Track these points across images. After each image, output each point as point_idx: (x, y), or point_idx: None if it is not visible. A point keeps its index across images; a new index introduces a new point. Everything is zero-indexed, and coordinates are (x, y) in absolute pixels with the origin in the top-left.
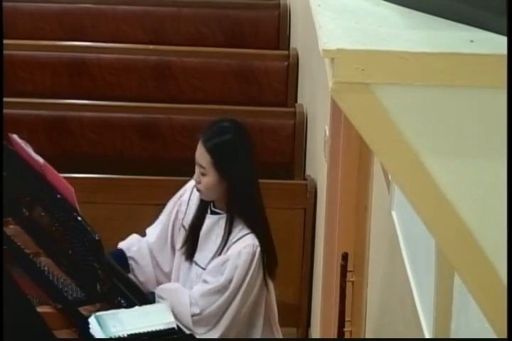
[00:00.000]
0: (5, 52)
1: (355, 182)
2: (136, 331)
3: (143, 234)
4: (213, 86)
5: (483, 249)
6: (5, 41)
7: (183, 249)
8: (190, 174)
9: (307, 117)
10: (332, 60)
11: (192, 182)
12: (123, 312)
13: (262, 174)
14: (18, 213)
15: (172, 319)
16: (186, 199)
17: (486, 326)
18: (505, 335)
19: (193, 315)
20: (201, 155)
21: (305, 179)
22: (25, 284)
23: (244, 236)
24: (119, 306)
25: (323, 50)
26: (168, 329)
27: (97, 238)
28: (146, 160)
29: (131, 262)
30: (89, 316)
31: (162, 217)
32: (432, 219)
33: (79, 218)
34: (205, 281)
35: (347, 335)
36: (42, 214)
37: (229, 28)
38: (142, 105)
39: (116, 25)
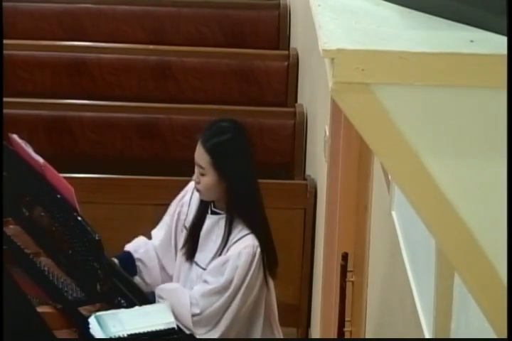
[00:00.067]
0: (5, 52)
1: (355, 182)
2: (136, 331)
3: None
4: (213, 86)
5: (483, 249)
6: (5, 41)
7: (184, 250)
8: (190, 174)
9: (307, 117)
10: (332, 60)
11: (193, 183)
12: (123, 312)
13: (262, 174)
14: (18, 213)
15: (172, 319)
16: (188, 200)
17: (486, 326)
18: (505, 335)
19: (193, 315)
20: (200, 155)
21: (305, 179)
22: (25, 284)
23: (244, 236)
24: (119, 306)
25: (323, 50)
26: (168, 329)
27: (97, 238)
28: (146, 160)
29: (138, 264)
30: (89, 316)
31: (166, 218)
32: (432, 219)
33: (79, 218)
34: (205, 281)
35: (347, 335)
36: (42, 214)
37: (229, 28)
38: (142, 105)
39: (116, 25)
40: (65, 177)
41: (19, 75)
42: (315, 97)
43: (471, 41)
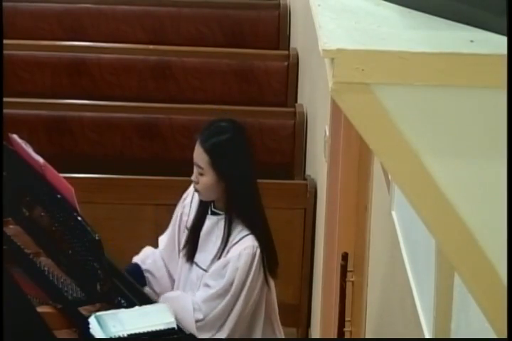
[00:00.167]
0: (5, 52)
1: (355, 182)
2: (136, 331)
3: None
4: (213, 86)
5: (483, 249)
6: (5, 41)
7: (185, 250)
8: (190, 174)
9: (307, 117)
10: (332, 60)
11: None
12: (123, 312)
13: (262, 174)
14: (18, 213)
15: (172, 319)
16: (189, 201)
17: (486, 326)
18: (505, 335)
19: (196, 321)
20: (199, 155)
21: (305, 179)
22: (25, 284)
23: (244, 237)
24: (119, 306)
25: (323, 50)
26: (168, 329)
27: (97, 238)
28: (146, 160)
29: (147, 275)
30: (89, 316)
31: (171, 222)
32: (432, 219)
33: (79, 218)
34: (206, 285)
35: (347, 335)
36: (42, 214)
37: (229, 28)
38: (142, 105)
39: (116, 25)
40: (65, 177)
41: (19, 75)
42: (315, 97)
43: (471, 41)
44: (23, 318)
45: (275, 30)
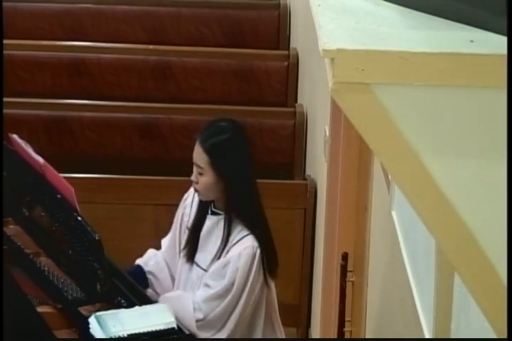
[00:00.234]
0: (5, 52)
1: (355, 182)
2: (136, 331)
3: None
4: (213, 86)
5: (483, 249)
6: (5, 41)
7: (185, 250)
8: (190, 174)
9: (307, 117)
10: (332, 60)
11: None
12: (123, 312)
13: (262, 174)
14: (18, 213)
15: (172, 319)
16: (190, 201)
17: (486, 326)
18: (505, 335)
19: (197, 321)
20: (199, 155)
21: (305, 179)
22: (25, 284)
23: (243, 237)
24: (119, 306)
25: (323, 50)
26: (168, 329)
27: (97, 238)
28: (146, 160)
29: (149, 276)
30: (89, 316)
31: (173, 224)
32: (432, 219)
33: (79, 218)
34: (207, 285)
35: (347, 335)
36: (42, 214)
37: (229, 28)
38: (142, 105)
39: (116, 25)
40: (65, 177)
41: (19, 75)
42: (315, 97)
43: (471, 41)
44: (23, 318)
45: (275, 30)
